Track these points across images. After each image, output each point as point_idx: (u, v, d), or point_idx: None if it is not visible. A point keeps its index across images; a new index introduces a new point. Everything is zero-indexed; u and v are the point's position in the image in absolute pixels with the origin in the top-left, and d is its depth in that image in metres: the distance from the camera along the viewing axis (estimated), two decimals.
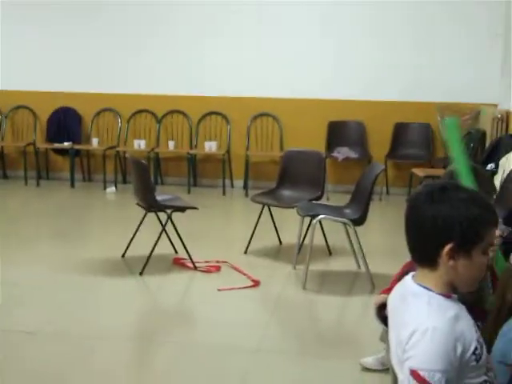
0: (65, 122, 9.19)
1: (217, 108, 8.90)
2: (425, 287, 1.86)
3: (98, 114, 9.14)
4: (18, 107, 9.27)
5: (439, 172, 6.75)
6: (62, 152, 9.16)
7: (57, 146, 9.03)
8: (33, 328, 4.32)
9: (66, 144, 8.94)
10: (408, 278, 1.95)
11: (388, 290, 2.23)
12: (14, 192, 8.72)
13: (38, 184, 8.94)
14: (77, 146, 8.97)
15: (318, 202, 5.77)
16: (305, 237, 5.71)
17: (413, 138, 8.63)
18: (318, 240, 5.71)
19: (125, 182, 9.00)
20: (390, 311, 2.01)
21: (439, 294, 1.84)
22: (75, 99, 9.13)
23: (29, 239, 6.53)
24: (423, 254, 1.88)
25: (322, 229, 5.82)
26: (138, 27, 8.88)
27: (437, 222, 1.80)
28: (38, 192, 8.74)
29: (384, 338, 3.38)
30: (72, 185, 8.87)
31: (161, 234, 5.48)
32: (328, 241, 5.96)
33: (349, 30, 8.55)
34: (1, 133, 9.32)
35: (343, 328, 4.58)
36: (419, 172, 7.36)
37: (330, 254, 5.95)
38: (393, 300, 2.01)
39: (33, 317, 4.56)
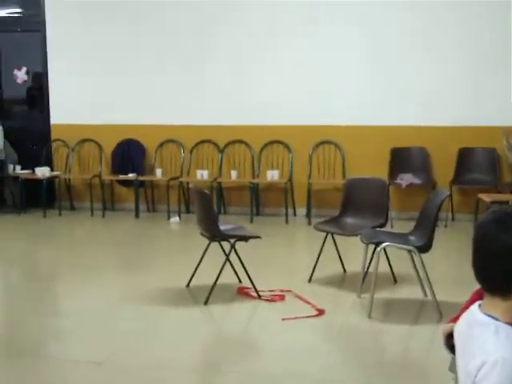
0: (129, 154, 9.35)
1: (278, 136, 8.93)
2: (492, 316, 1.81)
3: (162, 145, 9.28)
4: (84, 140, 9.48)
5: (506, 197, 6.60)
6: (126, 183, 9.32)
7: (122, 177, 9.19)
8: (100, 358, 4.37)
9: (130, 175, 9.10)
10: (474, 306, 1.90)
11: (456, 319, 2.18)
12: (80, 223, 8.89)
13: (103, 215, 9.10)
14: (141, 177, 9.11)
15: (382, 229, 5.71)
16: (369, 265, 5.64)
17: (478, 162, 8.48)
18: (383, 268, 5.63)
19: (188, 211, 9.08)
20: (457, 341, 1.96)
21: (507, 323, 1.79)
22: (138, 131, 9.29)
23: (95, 269, 6.63)
24: (495, 284, 1.82)
25: (387, 256, 5.74)
26: (197, 59, 9.01)
27: None
28: (103, 222, 8.89)
29: (453, 367, 3.29)
30: (137, 215, 9.00)
31: (224, 263, 5.49)
32: (393, 268, 5.88)
33: (411, 58, 8.50)
34: (68, 165, 9.54)
35: (410, 358, 4.49)
36: (486, 197, 7.21)
37: (396, 281, 5.86)
38: (459, 329, 1.96)
39: (99, 346, 4.61)
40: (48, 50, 9.48)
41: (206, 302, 5.36)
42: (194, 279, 5.78)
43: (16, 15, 9.91)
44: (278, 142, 8.96)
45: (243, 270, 5.54)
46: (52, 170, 9.45)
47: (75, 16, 9.31)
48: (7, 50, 9.87)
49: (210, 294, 5.39)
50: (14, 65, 9.82)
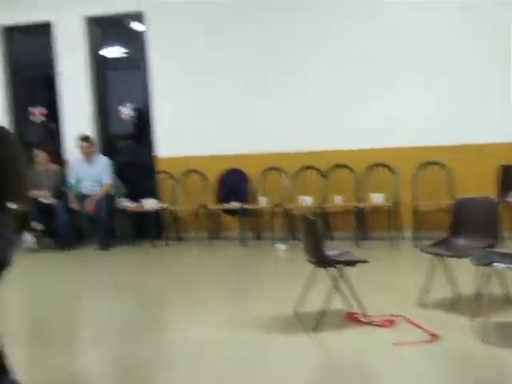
0: (233, 183, 9.47)
1: (381, 159, 8.84)
2: None
3: (264, 172, 9.35)
4: (189, 171, 9.68)
5: None
6: (231, 212, 9.43)
7: (226, 206, 9.31)
8: None
9: (234, 204, 9.20)
10: None
11: None
12: (187, 252, 9.04)
13: (209, 244, 9.23)
14: (245, 206, 9.20)
15: (493, 249, 5.52)
16: (482, 287, 5.46)
17: None
18: (496, 289, 5.43)
19: (293, 238, 9.09)
20: None
21: None
22: (241, 160, 9.41)
23: (202, 297, 6.72)
24: None
25: (500, 277, 5.54)
26: (298, 84, 9.06)
27: None
28: (210, 251, 9.01)
29: None
30: (242, 243, 9.07)
31: (332, 289, 5.45)
32: (507, 290, 5.67)
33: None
34: (174, 197, 9.75)
35: None
36: None
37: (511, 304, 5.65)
38: None
39: (207, 375, 4.66)
40: (151, 86, 9.77)
41: (314, 329, 5.32)
42: (301, 306, 5.76)
43: (121, 54, 10.29)
44: (381, 164, 8.86)
45: (351, 295, 5.47)
46: (159, 201, 9.68)
47: (176, 54, 9.56)
48: (113, 88, 10.24)
49: (318, 320, 5.35)
50: (119, 101, 10.17)
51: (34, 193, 9.18)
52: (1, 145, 4.34)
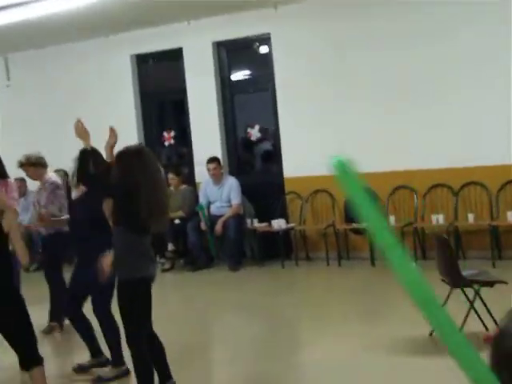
0: None
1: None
2: None
3: (394, 191, 9.19)
4: (317, 191, 9.65)
5: None
6: (360, 232, 9.32)
7: (355, 226, 9.21)
8: None
9: (364, 224, 9.06)
10: None
11: None
12: (317, 272, 9.01)
13: (339, 264, 9.15)
14: None
15: None
16: None
17: None
18: None
19: (424, 257, 8.85)
20: None
21: None
22: (369, 178, 9.26)
23: (334, 318, 6.66)
24: None
25: None
26: (430, 100, 8.87)
27: None
28: (339, 271, 8.93)
29: None
30: (372, 263, 8.94)
31: (469, 310, 5.26)
32: None
33: None
34: (302, 216, 9.75)
35: None
36: None
37: None
38: None
39: None
40: (278, 107, 9.85)
41: None
42: None
43: (248, 77, 10.46)
44: None
45: (490, 316, 5.25)
46: (287, 221, 9.71)
47: (303, 75, 9.59)
48: (241, 110, 10.41)
49: None
50: (248, 123, 10.32)
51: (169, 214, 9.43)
52: (144, 163, 4.55)
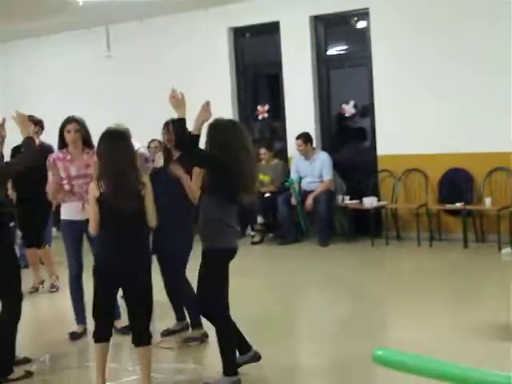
0: (456, 183, 9.15)
1: None
2: None
3: (490, 173, 8.93)
4: (410, 170, 9.49)
5: None
6: (453, 213, 9.11)
7: (448, 206, 9.02)
8: None
9: (457, 205, 8.88)
10: None
11: None
12: (407, 252, 8.88)
13: (430, 245, 8.98)
14: (469, 207, 8.84)
15: None
16: None
17: None
18: None
19: None
20: None
21: None
22: (466, 160, 9.04)
23: (422, 299, 6.58)
24: None
25: None
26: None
27: None
28: (430, 252, 8.78)
29: None
30: (465, 245, 8.73)
31: None
32: None
33: None
34: (394, 195, 9.61)
35: None
36: None
37: None
38: None
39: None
40: (374, 83, 9.70)
41: None
42: None
43: (344, 52, 10.33)
44: None
45: None
46: (379, 200, 9.60)
47: (400, 51, 9.40)
48: (337, 86, 10.31)
49: None
50: (342, 99, 10.22)
51: (260, 187, 9.49)
52: (239, 137, 4.61)
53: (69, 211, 5.82)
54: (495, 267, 7.86)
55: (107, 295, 4.55)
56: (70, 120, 5.79)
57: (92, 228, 4.52)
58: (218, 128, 4.65)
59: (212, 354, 4.86)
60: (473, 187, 9.08)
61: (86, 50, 11.97)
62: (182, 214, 5.51)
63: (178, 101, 4.65)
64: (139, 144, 6.95)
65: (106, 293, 4.53)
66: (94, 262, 4.63)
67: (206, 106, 4.72)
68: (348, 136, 10.62)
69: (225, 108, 10.36)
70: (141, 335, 4.52)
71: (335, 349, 5.49)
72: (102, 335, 4.58)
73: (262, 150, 10.12)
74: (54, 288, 7.70)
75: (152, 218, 4.52)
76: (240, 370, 4.73)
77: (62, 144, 5.85)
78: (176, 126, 4.73)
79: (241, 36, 10.95)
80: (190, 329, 5.79)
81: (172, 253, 5.60)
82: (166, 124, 5.72)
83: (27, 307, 6.14)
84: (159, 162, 6.14)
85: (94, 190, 4.46)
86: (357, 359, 5.12)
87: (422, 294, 6.85)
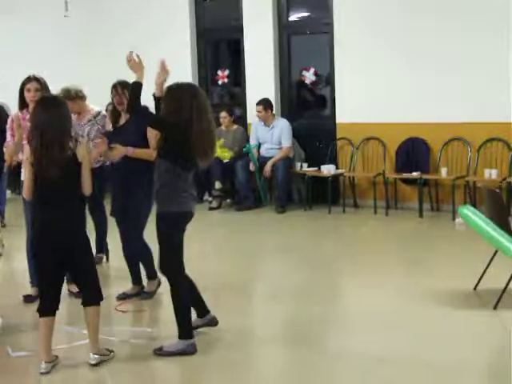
0: (413, 152, 9.23)
1: None
2: None
3: (447, 143, 9.02)
4: (368, 139, 9.54)
5: None
6: (410, 182, 9.21)
7: (405, 175, 9.10)
8: (383, 354, 4.37)
9: (414, 174, 8.97)
10: None
11: None
12: (363, 220, 8.95)
13: (386, 213, 9.07)
14: (425, 176, 8.94)
15: None
16: None
17: None
18: None
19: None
20: None
21: None
22: (423, 129, 9.12)
23: (376, 267, 6.66)
24: None
25: None
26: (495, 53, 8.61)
27: None
28: (386, 221, 8.86)
29: None
30: (420, 214, 8.84)
31: None
32: None
33: None
34: (352, 164, 9.66)
35: None
36: None
37: None
38: None
39: (377, 341, 4.66)
40: (335, 51, 9.67)
41: (495, 307, 5.09)
42: (481, 282, 5.53)
43: (305, 18, 10.27)
44: None
45: None
46: (337, 167, 9.64)
47: (361, 19, 9.38)
48: (297, 52, 10.27)
49: (499, 298, 5.11)
50: (303, 66, 10.19)
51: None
52: (198, 101, 4.55)
53: None
54: (449, 236, 8.01)
55: (48, 264, 4.43)
56: (30, 79, 5.68)
57: (25, 193, 4.46)
58: (177, 91, 4.58)
59: (168, 319, 4.86)
60: (429, 157, 9.17)
61: (44, 11, 11.68)
62: (139, 177, 5.47)
63: (134, 64, 4.61)
64: (99, 108, 6.87)
65: (47, 262, 4.44)
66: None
67: (163, 66, 4.67)
68: (308, 103, 10.61)
69: (184, 72, 10.26)
70: (86, 295, 4.51)
71: (290, 313, 5.53)
72: (47, 308, 4.47)
73: (223, 114, 10.05)
74: None
75: (86, 186, 4.46)
76: (196, 332, 4.75)
77: (22, 103, 5.73)
78: (131, 90, 4.65)
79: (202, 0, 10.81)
80: (146, 282, 5.89)
81: (132, 216, 5.58)
82: (114, 86, 5.68)
83: None
84: (108, 126, 6.10)
85: (28, 155, 4.42)
86: (310, 323, 5.17)
87: (376, 260, 6.93)
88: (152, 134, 5.27)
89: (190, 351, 4.63)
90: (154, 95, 4.68)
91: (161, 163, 4.61)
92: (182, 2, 10.70)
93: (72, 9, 10.92)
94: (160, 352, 4.65)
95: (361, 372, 4.24)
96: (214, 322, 4.99)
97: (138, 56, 4.61)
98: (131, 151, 5.47)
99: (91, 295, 4.52)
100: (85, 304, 4.52)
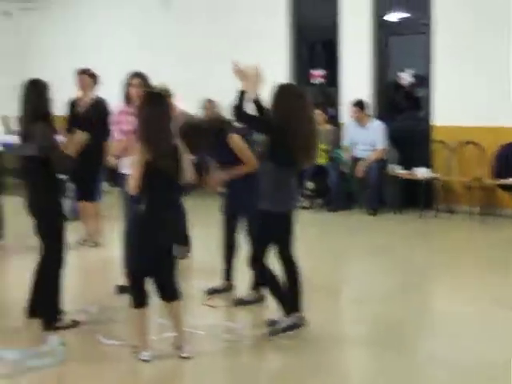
0: None
1: None
2: None
3: None
4: (466, 143, 9.29)
5: None
6: (508, 188, 8.93)
7: (503, 181, 8.83)
8: (474, 361, 4.27)
9: (511, 180, 8.69)
10: None
11: None
12: (457, 226, 8.75)
13: (481, 220, 8.82)
14: None
15: None
16: None
17: None
18: None
19: None
20: None
21: None
22: None
23: (468, 273, 6.54)
24: None
25: None
26: None
27: None
28: (482, 227, 8.62)
29: None
30: None
31: None
32: None
33: None
34: (447, 167, 9.44)
35: None
36: None
37: None
38: None
39: (468, 347, 4.64)
40: (433, 52, 9.48)
41: None
42: None
43: (403, 18, 10.10)
44: None
45: None
46: (431, 170, 9.45)
47: (462, 20, 9.15)
48: (394, 53, 10.12)
49: None
50: (399, 67, 10.03)
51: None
52: (303, 104, 4.67)
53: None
54: None
55: (148, 257, 4.54)
56: (134, 75, 5.91)
57: (131, 187, 4.56)
58: (283, 94, 4.70)
59: (261, 316, 4.91)
60: None
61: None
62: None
63: (240, 74, 4.71)
64: (183, 105, 6.98)
65: (148, 255, 4.54)
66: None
67: (255, 73, 4.74)
68: (403, 105, 10.44)
69: (279, 70, 10.29)
70: (165, 291, 4.57)
71: (379, 316, 5.46)
72: (141, 299, 4.57)
73: (317, 111, 9.99)
74: (93, 244, 7.78)
75: (189, 174, 4.59)
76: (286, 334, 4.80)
77: (127, 98, 5.93)
78: (236, 98, 4.73)
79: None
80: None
81: (249, 215, 5.58)
82: (207, 101, 5.83)
83: (75, 259, 6.28)
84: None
85: (135, 148, 4.55)
86: (400, 327, 5.10)
87: (469, 267, 6.78)
88: (242, 146, 5.38)
89: (300, 323, 4.88)
90: (257, 101, 4.79)
91: (266, 164, 4.74)
92: (280, 3, 10.70)
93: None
94: (273, 329, 4.84)
95: (451, 378, 4.15)
96: (302, 322, 4.99)
97: (243, 67, 4.72)
98: (232, 174, 5.51)
99: (166, 291, 4.58)
100: (162, 299, 4.61)
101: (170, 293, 4.59)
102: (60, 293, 5.14)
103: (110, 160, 6.51)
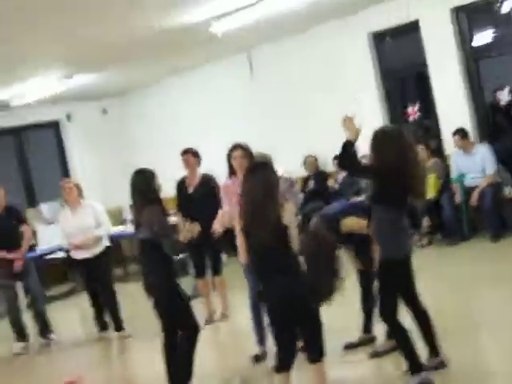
0: None
1: None
2: None
3: None
4: None
5: None
6: None
7: None
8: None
9: None
10: None
11: None
12: None
13: None
14: None
15: None
16: None
17: None
18: None
19: None
20: None
21: None
22: None
23: None
24: None
25: None
26: None
27: None
28: None
29: None
30: None
31: None
32: None
33: None
34: None
35: None
36: None
37: None
38: None
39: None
40: None
41: None
42: None
43: (490, 40, 9.88)
44: None
45: None
46: None
47: None
48: (486, 75, 9.92)
49: None
50: (496, 87, 9.82)
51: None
52: (405, 144, 4.72)
53: None
54: None
55: (279, 322, 4.50)
56: (235, 147, 6.03)
57: (241, 258, 4.59)
58: (383, 137, 4.75)
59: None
60: None
61: (229, 78, 12.25)
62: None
63: (349, 124, 4.70)
64: (282, 169, 6.99)
65: (277, 320, 4.51)
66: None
67: (350, 124, 4.72)
68: (504, 124, 10.17)
69: (374, 114, 10.27)
70: (309, 352, 4.49)
71: None
72: (283, 365, 4.48)
73: (419, 147, 9.85)
74: (224, 317, 7.78)
75: (295, 244, 4.42)
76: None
77: (231, 171, 6.07)
78: (342, 147, 4.74)
79: (381, 39, 10.74)
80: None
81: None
82: (308, 157, 5.84)
83: (207, 336, 6.34)
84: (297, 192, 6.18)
85: (239, 221, 4.65)
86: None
87: None
88: (355, 223, 5.39)
89: (441, 367, 4.83)
90: (346, 141, 4.74)
91: (377, 209, 4.74)
92: (363, 45, 10.71)
93: (256, 72, 11.37)
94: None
95: None
96: (442, 365, 4.91)
97: (352, 117, 4.74)
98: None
99: (310, 352, 4.48)
100: (310, 360, 4.47)
101: (308, 355, 4.50)
102: (193, 369, 5.27)
103: (216, 230, 6.65)
